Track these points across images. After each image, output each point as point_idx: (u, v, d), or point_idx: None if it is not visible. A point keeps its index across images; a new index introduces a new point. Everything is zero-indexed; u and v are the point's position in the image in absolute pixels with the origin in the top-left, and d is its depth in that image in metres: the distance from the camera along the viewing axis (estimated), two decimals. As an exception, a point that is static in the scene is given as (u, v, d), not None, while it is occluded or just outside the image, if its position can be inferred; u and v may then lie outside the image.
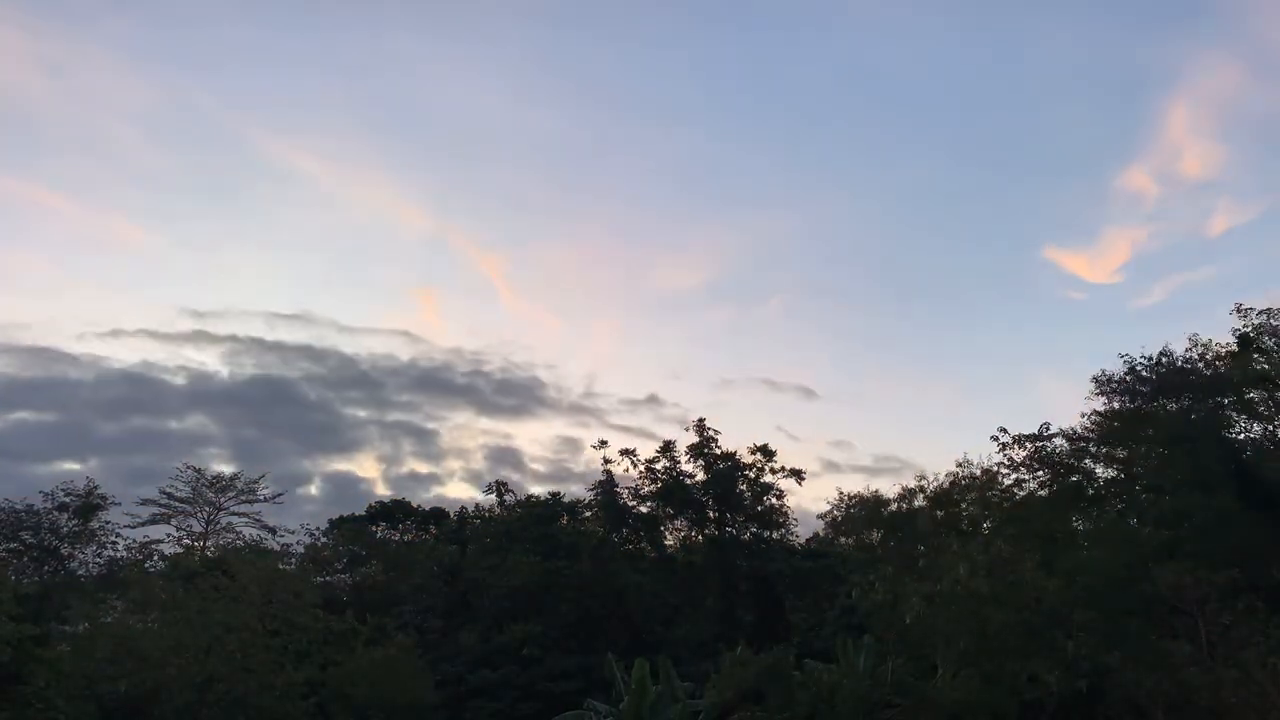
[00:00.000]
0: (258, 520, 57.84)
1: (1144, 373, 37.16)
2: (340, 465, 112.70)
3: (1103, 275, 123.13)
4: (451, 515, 64.58)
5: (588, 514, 55.17)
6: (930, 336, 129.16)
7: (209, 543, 55.61)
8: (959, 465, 38.08)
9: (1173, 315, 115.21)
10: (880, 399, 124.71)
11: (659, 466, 53.81)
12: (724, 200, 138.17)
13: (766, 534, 53.30)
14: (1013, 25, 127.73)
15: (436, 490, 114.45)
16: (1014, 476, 38.37)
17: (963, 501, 32.64)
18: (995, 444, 38.89)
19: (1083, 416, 38.22)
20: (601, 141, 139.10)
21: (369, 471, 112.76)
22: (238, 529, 57.32)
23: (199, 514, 56.65)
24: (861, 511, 39.61)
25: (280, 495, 59.13)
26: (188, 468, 57.22)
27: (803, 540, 56.49)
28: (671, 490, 53.00)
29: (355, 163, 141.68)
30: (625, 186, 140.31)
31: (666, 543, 55.61)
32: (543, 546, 51.13)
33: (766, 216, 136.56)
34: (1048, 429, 39.11)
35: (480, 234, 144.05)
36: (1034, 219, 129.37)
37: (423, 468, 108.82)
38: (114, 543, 52.39)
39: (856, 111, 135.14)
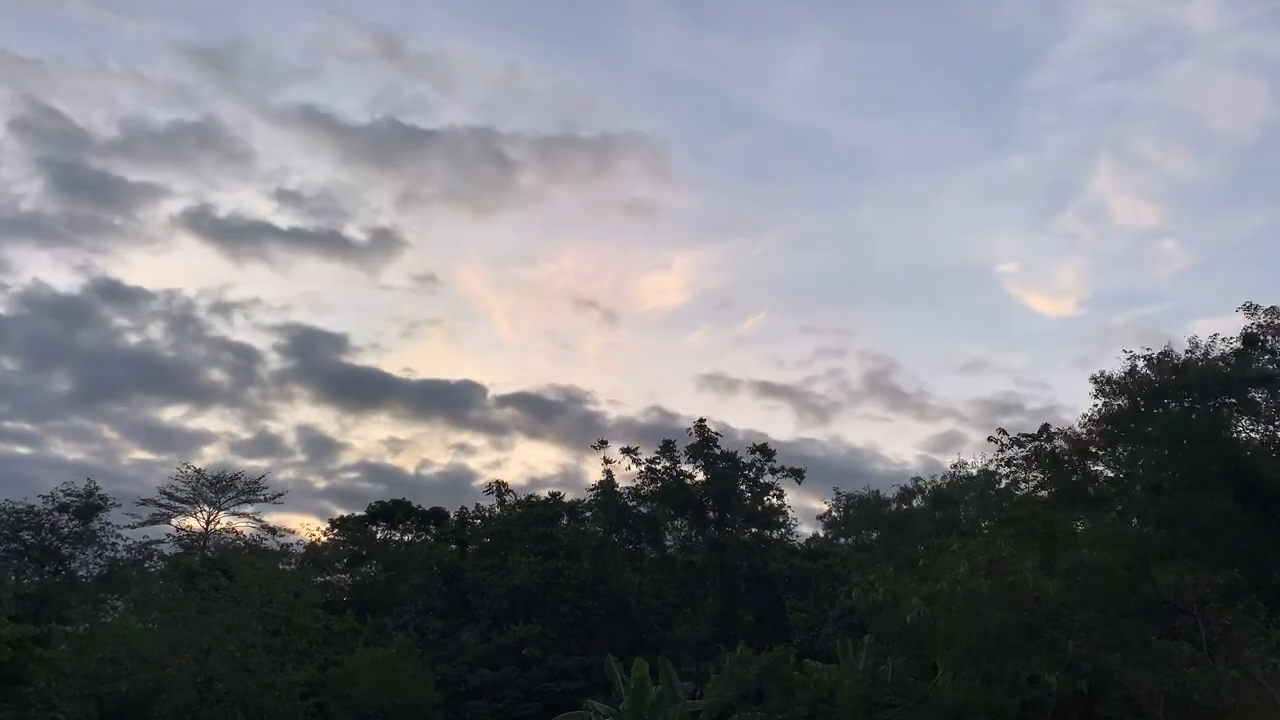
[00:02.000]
0: (258, 520, 57.83)
1: (1144, 373, 37.13)
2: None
3: (1065, 310, 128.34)
4: (451, 515, 64.63)
5: (588, 514, 55.21)
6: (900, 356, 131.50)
7: (209, 543, 55.57)
8: (956, 466, 38.11)
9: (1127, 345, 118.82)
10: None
11: (659, 467, 53.88)
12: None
13: (766, 534, 53.35)
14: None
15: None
16: (1013, 476, 38.43)
17: (962, 501, 32.63)
18: (994, 445, 39.04)
19: (1083, 417, 38.25)
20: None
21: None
22: (238, 529, 57.31)
23: (199, 514, 56.67)
24: (861, 511, 39.61)
25: (280, 495, 59.11)
26: (188, 467, 57.26)
27: (802, 540, 56.65)
28: (671, 490, 53.03)
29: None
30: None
31: (666, 543, 55.67)
32: (543, 547, 51.20)
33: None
34: (1047, 429, 39.16)
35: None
36: (989, 251, 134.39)
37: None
38: (114, 543, 52.50)
39: (808, 161, 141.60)
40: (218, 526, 56.37)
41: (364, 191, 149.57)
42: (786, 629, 49.67)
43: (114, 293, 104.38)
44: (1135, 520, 28.27)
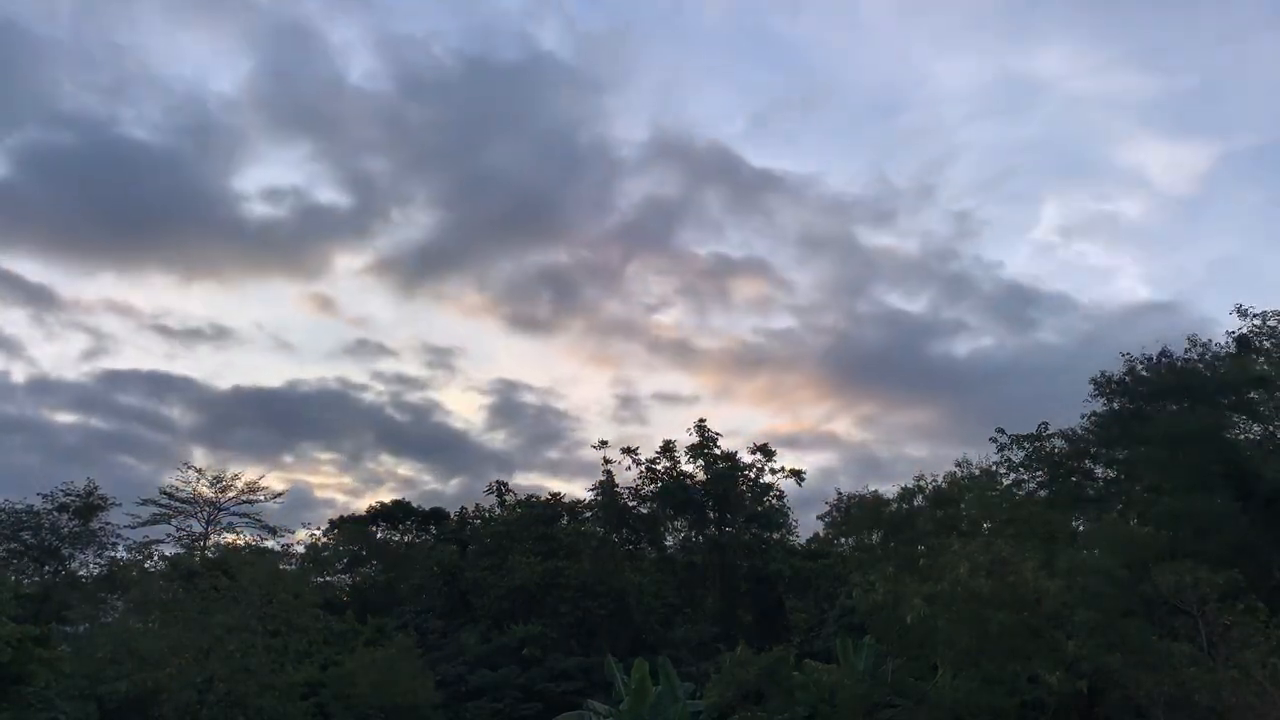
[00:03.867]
0: (258, 520, 57.63)
1: (1143, 374, 37.15)
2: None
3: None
4: (451, 515, 64.67)
5: (588, 514, 55.23)
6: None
7: (209, 543, 55.46)
8: (958, 465, 38.10)
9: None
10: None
11: (659, 467, 53.90)
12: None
13: (766, 534, 53.36)
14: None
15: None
16: (1013, 476, 38.41)
17: (962, 501, 32.60)
18: (993, 445, 39.02)
19: (1082, 418, 38.24)
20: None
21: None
22: (238, 529, 57.09)
23: (199, 514, 56.46)
24: (861, 511, 39.66)
25: (280, 495, 58.94)
26: (188, 468, 57.08)
27: (802, 540, 56.64)
28: (671, 490, 53.04)
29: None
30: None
31: (666, 543, 55.69)
32: (543, 547, 51.21)
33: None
34: (1045, 429, 39.16)
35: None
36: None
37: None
38: (114, 543, 52.42)
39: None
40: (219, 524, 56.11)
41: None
42: (786, 629, 49.69)
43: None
44: (1135, 520, 28.25)
